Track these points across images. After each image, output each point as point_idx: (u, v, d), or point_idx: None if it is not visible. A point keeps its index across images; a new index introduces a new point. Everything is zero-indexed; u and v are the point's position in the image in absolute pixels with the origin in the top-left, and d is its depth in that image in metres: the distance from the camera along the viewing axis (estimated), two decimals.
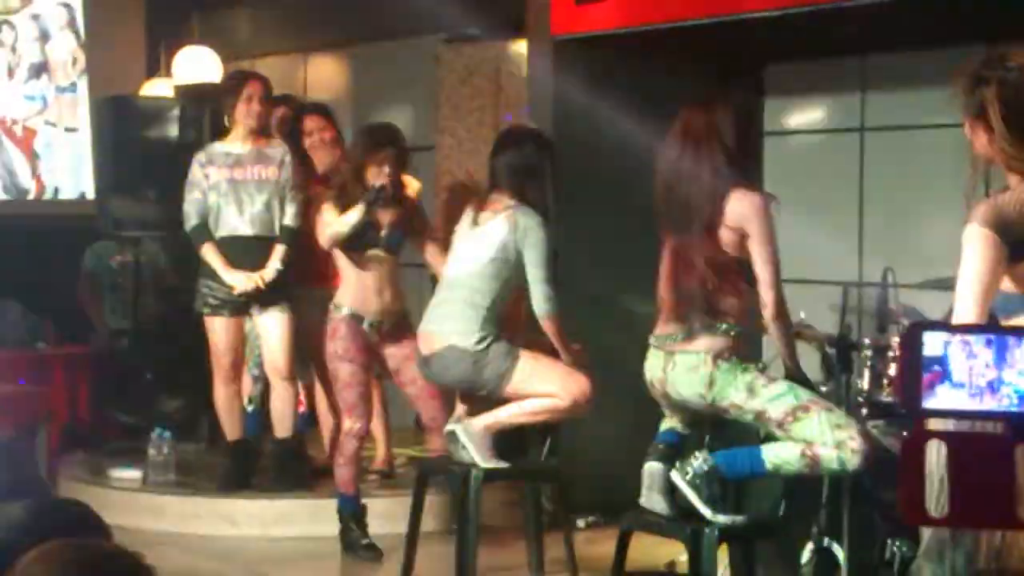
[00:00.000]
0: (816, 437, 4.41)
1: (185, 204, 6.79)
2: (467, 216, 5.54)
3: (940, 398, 1.57)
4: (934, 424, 1.84)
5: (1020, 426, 1.54)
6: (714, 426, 4.70)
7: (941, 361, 1.56)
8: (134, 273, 8.56)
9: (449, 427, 5.47)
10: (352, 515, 6.38)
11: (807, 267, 7.40)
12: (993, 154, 3.32)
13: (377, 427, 7.09)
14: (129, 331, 8.58)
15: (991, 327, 1.57)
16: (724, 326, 4.52)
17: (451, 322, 5.41)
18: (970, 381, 1.55)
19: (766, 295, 4.54)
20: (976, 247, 3.19)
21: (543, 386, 5.37)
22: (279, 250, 6.73)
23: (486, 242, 5.40)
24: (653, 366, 4.65)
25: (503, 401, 5.49)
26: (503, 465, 5.45)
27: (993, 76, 3.29)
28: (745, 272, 4.56)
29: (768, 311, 4.54)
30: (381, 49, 9.12)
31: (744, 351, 4.55)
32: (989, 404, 1.55)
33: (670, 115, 7.13)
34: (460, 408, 5.59)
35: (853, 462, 4.41)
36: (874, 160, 7.11)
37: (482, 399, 5.56)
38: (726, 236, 4.53)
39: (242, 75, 7.10)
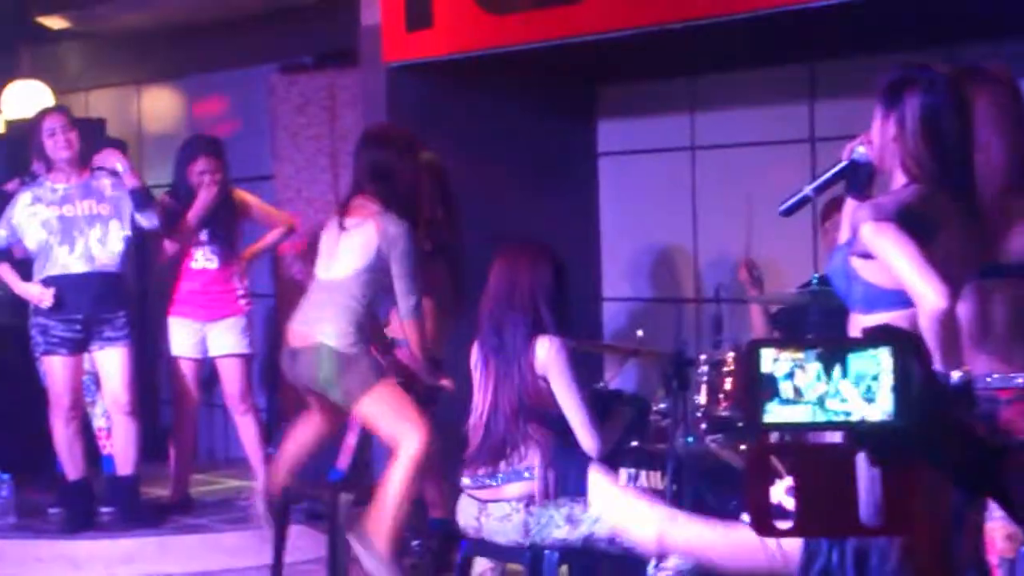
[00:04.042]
0: None
1: None
2: (333, 221, 5.49)
3: (778, 412, 1.60)
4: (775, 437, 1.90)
5: (858, 435, 1.58)
6: None
7: (774, 377, 1.60)
8: None
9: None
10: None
11: (644, 285, 7.52)
12: (894, 151, 3.37)
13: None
14: None
15: (821, 340, 1.61)
16: (528, 473, 4.55)
17: (327, 324, 5.31)
18: (805, 394, 1.60)
19: (583, 439, 4.58)
20: (893, 237, 3.22)
21: (391, 420, 5.26)
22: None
23: (360, 251, 5.33)
24: (466, 513, 4.67)
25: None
26: None
27: (920, 79, 3.37)
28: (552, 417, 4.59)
29: (589, 449, 4.58)
30: (215, 79, 9.05)
31: (555, 490, 4.56)
32: (826, 415, 1.59)
33: (505, 140, 7.22)
34: (261, 479, 5.49)
35: None
36: (705, 178, 7.23)
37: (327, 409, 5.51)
38: (537, 382, 4.57)
39: (41, 112, 7.01)
